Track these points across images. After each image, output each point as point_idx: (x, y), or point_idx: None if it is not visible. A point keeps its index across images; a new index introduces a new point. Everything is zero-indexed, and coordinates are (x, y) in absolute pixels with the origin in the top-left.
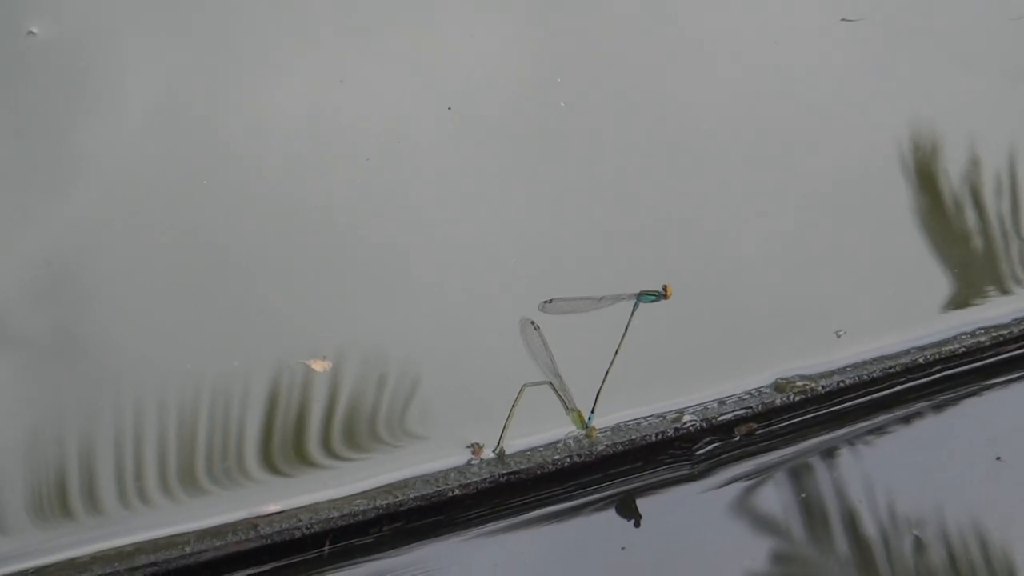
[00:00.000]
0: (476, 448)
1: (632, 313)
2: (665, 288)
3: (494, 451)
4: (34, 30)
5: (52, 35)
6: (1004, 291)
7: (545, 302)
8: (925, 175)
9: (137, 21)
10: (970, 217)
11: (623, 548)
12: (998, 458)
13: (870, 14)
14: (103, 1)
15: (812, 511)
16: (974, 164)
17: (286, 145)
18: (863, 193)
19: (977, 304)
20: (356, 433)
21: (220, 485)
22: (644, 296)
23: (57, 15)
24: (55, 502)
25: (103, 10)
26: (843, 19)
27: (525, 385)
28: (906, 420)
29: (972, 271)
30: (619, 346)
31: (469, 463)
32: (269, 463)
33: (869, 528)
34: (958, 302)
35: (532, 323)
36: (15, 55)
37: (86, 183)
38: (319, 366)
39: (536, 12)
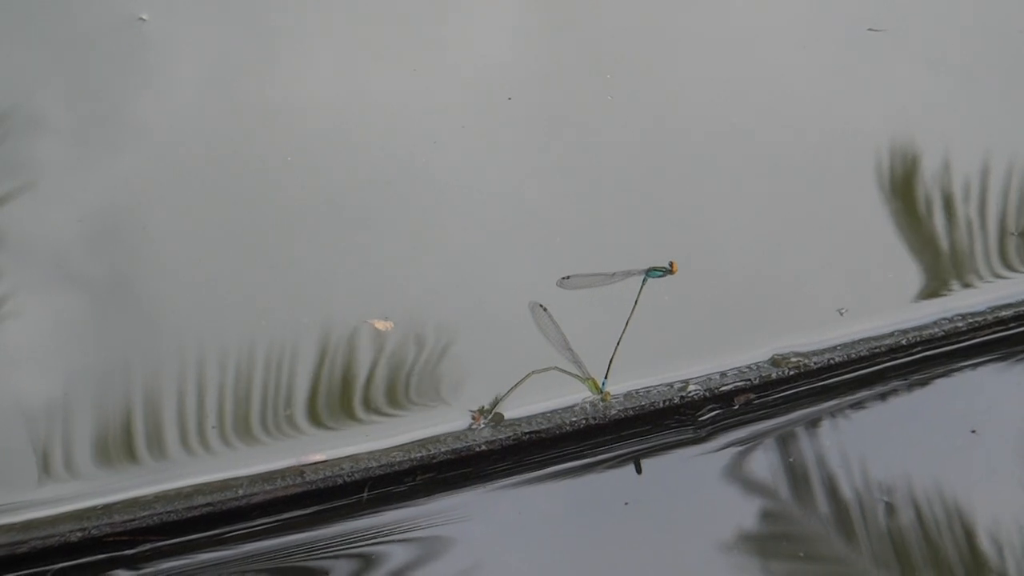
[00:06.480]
0: (476, 415)
1: (641, 287)
2: (671, 264)
3: (486, 418)
4: (144, 16)
5: (158, 21)
6: (981, 282)
7: (563, 278)
8: (904, 180)
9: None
10: (947, 216)
11: (626, 503)
12: (973, 431)
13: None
14: None
15: (797, 474)
16: (946, 168)
17: (358, 125)
18: (862, 192)
19: (956, 293)
20: (396, 392)
21: (272, 435)
22: (652, 272)
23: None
24: (120, 447)
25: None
26: (870, 29)
27: (532, 372)
28: (883, 397)
29: (953, 264)
30: (629, 318)
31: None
32: (317, 417)
33: (846, 491)
34: (940, 291)
35: (540, 305)
36: (129, 39)
37: (158, 146)
38: (382, 326)
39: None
